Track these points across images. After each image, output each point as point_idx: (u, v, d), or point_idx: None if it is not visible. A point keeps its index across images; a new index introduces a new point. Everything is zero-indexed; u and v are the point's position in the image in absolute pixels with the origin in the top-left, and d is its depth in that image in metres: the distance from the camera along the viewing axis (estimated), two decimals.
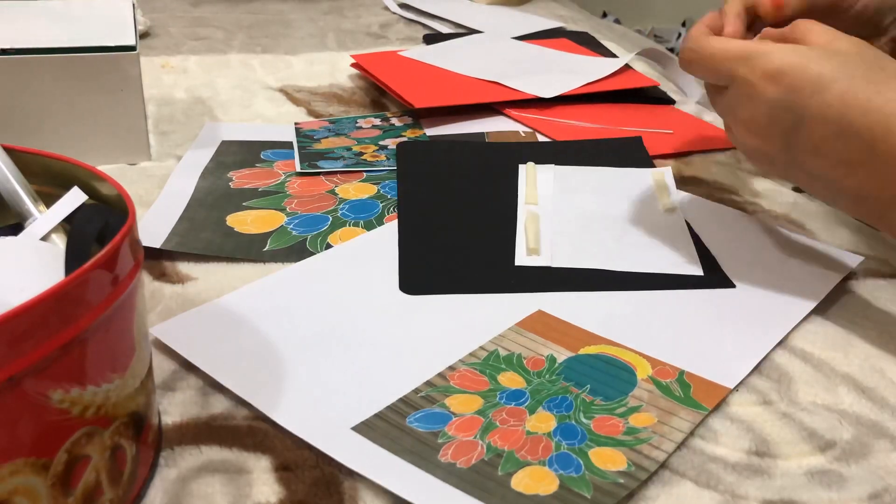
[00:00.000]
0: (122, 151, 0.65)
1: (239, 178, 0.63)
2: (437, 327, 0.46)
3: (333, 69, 0.90)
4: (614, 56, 0.93)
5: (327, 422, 0.39)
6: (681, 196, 0.61)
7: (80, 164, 0.38)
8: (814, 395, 0.43)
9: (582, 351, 0.45)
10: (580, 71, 0.85)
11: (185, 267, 0.52)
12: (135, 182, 0.63)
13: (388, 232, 0.56)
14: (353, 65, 0.89)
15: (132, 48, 0.63)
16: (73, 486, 0.30)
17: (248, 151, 0.68)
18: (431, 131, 0.73)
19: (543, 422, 0.39)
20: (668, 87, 0.86)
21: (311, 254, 0.53)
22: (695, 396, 0.41)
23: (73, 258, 0.35)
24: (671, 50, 1.94)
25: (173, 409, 0.40)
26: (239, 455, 0.38)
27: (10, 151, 0.39)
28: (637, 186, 0.62)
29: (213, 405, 0.41)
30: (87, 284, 0.29)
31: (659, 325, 0.47)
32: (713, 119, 0.79)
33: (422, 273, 0.51)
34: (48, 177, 0.39)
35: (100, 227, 0.36)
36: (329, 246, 0.54)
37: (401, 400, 0.40)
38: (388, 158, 0.67)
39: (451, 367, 0.43)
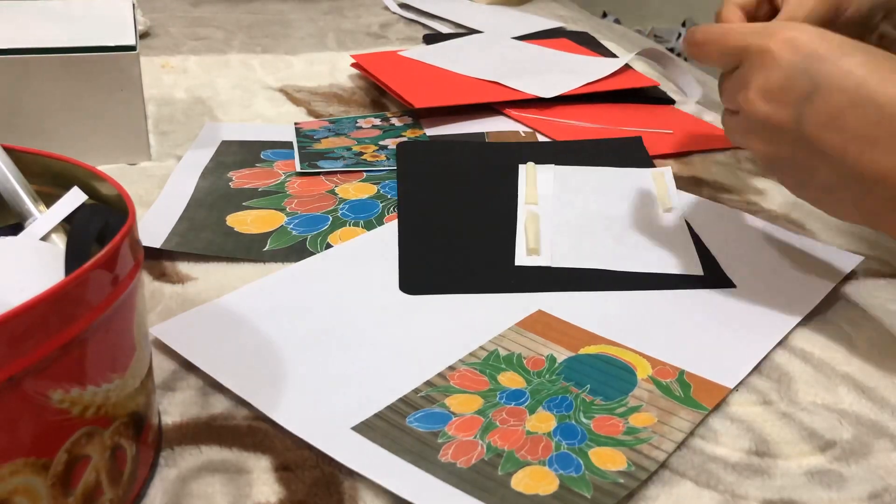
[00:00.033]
0: (122, 151, 0.65)
1: (239, 178, 0.63)
2: (436, 327, 0.46)
3: (333, 69, 0.90)
4: (614, 56, 0.93)
5: (327, 422, 0.39)
6: (681, 196, 0.61)
7: (80, 164, 0.38)
8: (814, 395, 0.43)
9: (582, 351, 0.45)
10: (580, 71, 0.85)
11: (185, 267, 0.52)
12: (135, 182, 0.63)
13: (388, 232, 0.56)
14: (353, 65, 0.89)
15: (132, 48, 0.63)
16: (73, 486, 0.30)
17: (248, 151, 0.68)
18: (431, 131, 0.73)
19: (543, 422, 0.39)
20: (668, 87, 0.86)
21: (311, 254, 0.53)
22: (695, 396, 0.41)
23: (73, 258, 0.35)
24: (671, 50, 1.94)
25: (173, 409, 0.40)
26: (239, 455, 0.38)
27: (10, 151, 0.39)
28: (637, 186, 0.62)
29: (213, 405, 0.41)
30: (87, 284, 0.29)
31: (659, 325, 0.47)
32: (713, 119, 0.79)
33: (422, 273, 0.51)
34: (48, 177, 0.39)
35: (100, 227, 0.36)
36: (329, 246, 0.54)
37: (401, 400, 0.40)
38: (388, 158, 0.67)
39: (451, 367, 0.43)
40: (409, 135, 0.72)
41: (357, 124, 0.74)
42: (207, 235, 0.55)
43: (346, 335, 0.45)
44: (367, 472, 0.36)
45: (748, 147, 0.47)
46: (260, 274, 0.51)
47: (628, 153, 0.68)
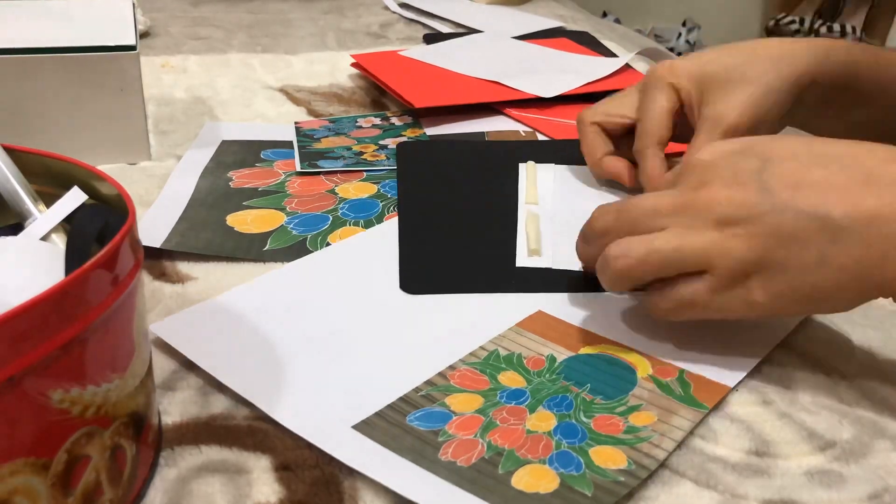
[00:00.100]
0: (122, 151, 0.65)
1: (239, 178, 0.63)
2: (437, 327, 0.46)
3: (333, 69, 0.90)
4: (614, 56, 0.93)
5: (327, 420, 0.39)
6: None
7: (80, 164, 0.38)
8: (814, 395, 0.43)
9: (582, 350, 0.45)
10: (580, 71, 0.85)
11: (184, 267, 0.52)
12: (135, 182, 0.63)
13: (389, 229, 0.56)
14: (353, 64, 0.89)
15: (132, 48, 0.63)
16: (73, 486, 0.30)
17: (248, 151, 0.68)
18: (431, 131, 0.73)
19: (543, 421, 0.39)
20: None
21: (311, 253, 0.53)
22: (695, 395, 0.41)
23: (73, 258, 0.35)
24: (671, 49, 1.94)
25: (173, 409, 0.40)
26: (239, 455, 0.38)
27: (10, 151, 0.39)
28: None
29: (213, 405, 0.41)
30: (87, 284, 0.29)
31: (659, 325, 0.47)
32: None
33: (422, 273, 0.51)
34: (48, 177, 0.39)
35: (100, 226, 0.36)
36: (329, 245, 0.54)
37: (401, 399, 0.40)
38: (388, 158, 0.67)
39: (452, 367, 0.43)
40: (409, 134, 0.72)
41: (357, 124, 0.74)
42: (207, 235, 0.55)
43: (345, 334, 0.45)
44: (367, 471, 0.36)
45: (732, 258, 0.40)
46: (260, 274, 0.51)
47: None
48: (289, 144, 0.69)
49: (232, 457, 0.38)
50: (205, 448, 0.38)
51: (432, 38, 1.00)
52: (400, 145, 0.68)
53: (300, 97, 0.81)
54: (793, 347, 0.46)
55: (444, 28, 1.06)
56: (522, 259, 0.53)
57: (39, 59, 0.61)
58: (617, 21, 1.96)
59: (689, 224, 0.41)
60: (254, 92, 0.82)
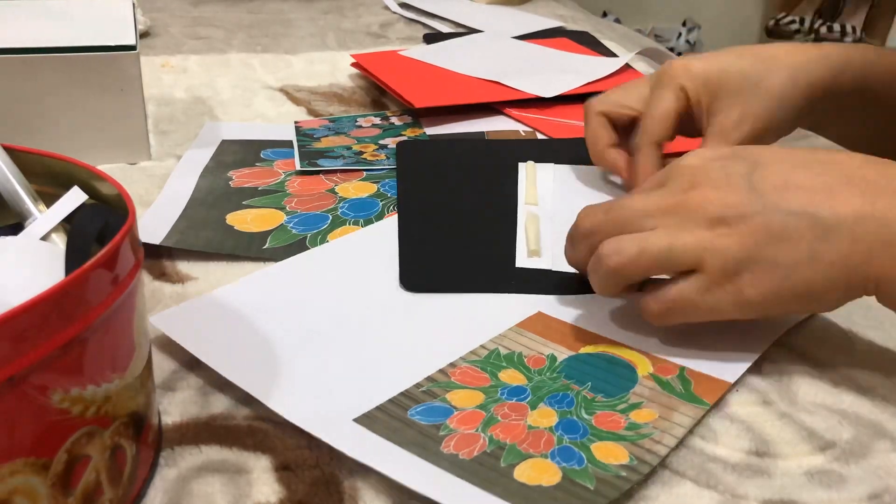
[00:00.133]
0: (122, 151, 0.65)
1: (239, 178, 0.63)
2: (437, 325, 0.46)
3: (334, 69, 0.90)
4: (614, 55, 0.93)
5: (328, 413, 0.39)
6: None
7: (80, 163, 0.38)
8: (814, 395, 0.43)
9: (582, 350, 0.45)
10: (580, 70, 0.85)
11: (184, 266, 0.52)
12: (135, 182, 0.63)
13: (389, 226, 0.56)
14: (353, 64, 0.89)
15: (132, 48, 0.63)
16: (73, 486, 0.30)
17: (248, 151, 0.68)
18: (431, 130, 0.73)
19: (545, 417, 0.39)
20: None
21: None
22: (696, 392, 0.41)
23: (73, 258, 0.35)
24: (671, 49, 1.94)
25: (173, 409, 0.40)
26: (239, 455, 0.38)
27: (10, 151, 0.39)
28: None
29: (213, 405, 0.41)
30: (87, 284, 0.29)
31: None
32: None
33: (421, 272, 0.51)
34: (48, 177, 0.39)
35: (100, 226, 0.36)
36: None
37: (402, 394, 0.40)
38: (387, 157, 0.67)
39: (452, 364, 0.43)
40: (409, 134, 0.72)
41: (357, 123, 0.74)
42: (207, 234, 0.55)
43: (345, 330, 0.45)
44: (369, 463, 0.36)
45: (717, 256, 0.41)
46: (260, 270, 0.51)
47: None
48: (289, 144, 0.69)
49: (232, 457, 0.38)
50: (205, 448, 0.38)
51: (432, 38, 1.00)
52: (400, 144, 0.68)
53: (300, 97, 0.81)
54: (793, 347, 0.46)
55: (444, 28, 1.06)
56: (522, 260, 0.53)
57: (39, 59, 0.61)
58: (617, 21, 1.96)
59: (680, 224, 0.42)
60: (254, 92, 0.82)
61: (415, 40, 1.02)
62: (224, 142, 0.69)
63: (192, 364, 0.43)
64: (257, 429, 0.39)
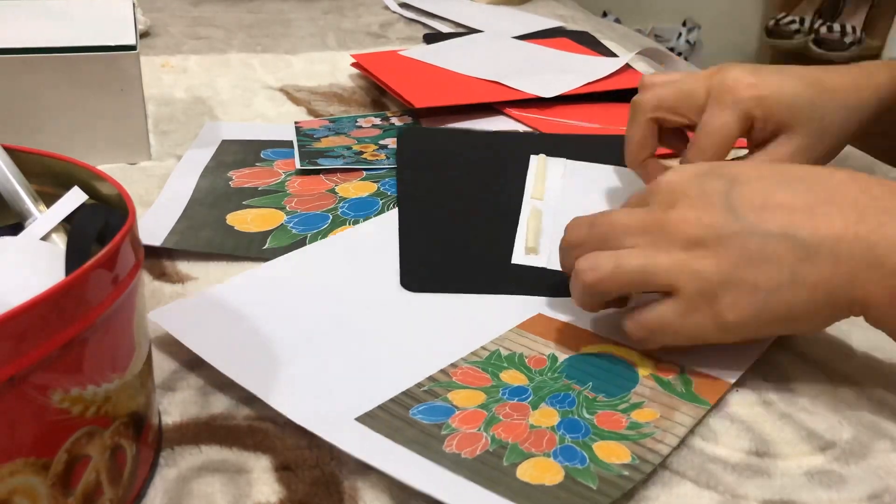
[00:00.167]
0: (122, 151, 0.65)
1: (239, 178, 0.63)
2: (439, 325, 0.46)
3: (334, 69, 0.90)
4: (615, 55, 0.93)
5: (330, 412, 0.39)
6: None
7: (80, 163, 0.38)
8: (814, 396, 0.43)
9: (583, 350, 0.45)
10: (580, 70, 0.85)
11: (185, 266, 0.52)
12: (135, 182, 0.63)
13: (390, 219, 0.56)
14: (353, 64, 0.89)
15: (132, 48, 0.63)
16: (73, 486, 0.30)
17: (248, 151, 0.68)
18: None
19: (546, 417, 0.39)
20: None
21: None
22: (696, 392, 0.41)
23: (74, 258, 0.35)
24: (671, 49, 1.94)
25: (173, 409, 0.40)
26: (239, 455, 0.38)
27: (10, 151, 0.39)
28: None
29: (213, 405, 0.41)
30: (87, 284, 0.29)
31: None
32: None
33: (421, 271, 0.51)
34: (48, 177, 0.39)
35: (100, 226, 0.36)
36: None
37: (404, 393, 0.40)
38: (387, 157, 0.67)
39: (453, 365, 0.43)
40: None
41: (357, 124, 0.74)
42: (207, 234, 0.55)
43: (347, 328, 0.45)
44: (371, 461, 0.36)
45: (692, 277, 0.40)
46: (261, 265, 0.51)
47: None
48: (289, 144, 0.69)
49: (232, 457, 0.38)
50: (205, 448, 0.38)
51: (432, 37, 1.00)
52: (402, 132, 0.67)
53: (300, 97, 0.81)
54: (793, 347, 0.46)
55: (444, 28, 1.06)
56: (519, 256, 0.53)
57: (39, 59, 0.61)
58: (617, 21, 1.96)
59: (657, 244, 0.41)
60: (254, 92, 0.82)
61: (415, 40, 1.02)
62: (224, 142, 0.69)
63: (192, 364, 0.43)
64: (257, 429, 0.39)
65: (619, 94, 0.81)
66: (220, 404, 0.41)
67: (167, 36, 0.98)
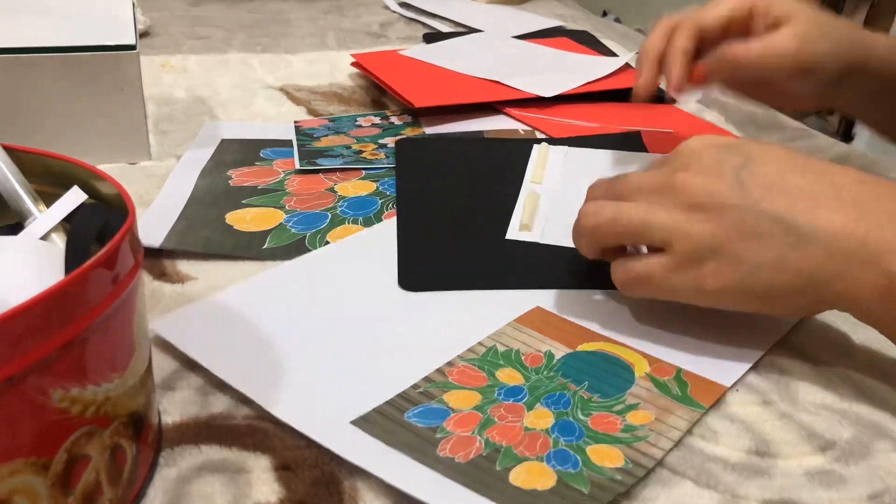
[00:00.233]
0: (122, 151, 0.65)
1: (238, 177, 0.63)
2: (435, 323, 0.46)
3: (333, 68, 0.90)
4: (614, 55, 0.93)
5: (326, 416, 0.39)
6: None
7: (80, 163, 0.38)
8: (814, 395, 0.43)
9: (580, 347, 0.45)
10: (580, 70, 0.85)
11: (184, 266, 0.52)
12: (135, 182, 0.62)
13: (387, 228, 0.56)
14: (353, 64, 0.89)
15: (132, 48, 0.63)
16: (73, 485, 0.30)
17: (248, 150, 0.68)
18: (431, 130, 0.73)
19: (541, 418, 0.39)
20: None
21: (310, 251, 0.53)
22: (692, 395, 0.41)
23: (73, 257, 0.35)
24: None
25: (173, 408, 0.40)
26: (239, 455, 0.38)
27: (10, 151, 0.39)
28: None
29: (213, 405, 0.41)
30: (87, 284, 0.29)
31: (657, 323, 0.47)
32: (714, 118, 0.79)
33: (420, 270, 0.51)
34: (48, 177, 0.39)
35: (100, 226, 0.36)
36: (328, 243, 0.54)
37: (399, 395, 0.40)
38: (387, 156, 0.67)
39: (450, 363, 0.43)
40: (409, 133, 0.72)
41: (357, 123, 0.74)
42: (207, 233, 0.55)
43: (344, 331, 0.45)
44: (365, 466, 0.36)
45: (691, 235, 0.42)
46: (259, 273, 0.51)
47: (628, 148, 0.68)
48: (288, 143, 0.69)
49: (232, 456, 0.38)
50: (205, 448, 0.38)
51: (432, 37, 1.00)
52: (399, 142, 0.68)
53: (300, 97, 0.81)
54: (793, 347, 0.46)
55: (444, 27, 1.06)
56: (513, 232, 0.54)
57: (39, 58, 0.61)
58: (617, 20, 1.96)
59: (660, 201, 0.43)
60: (254, 91, 0.82)
61: (415, 40, 1.02)
62: (224, 141, 0.69)
63: (192, 364, 0.43)
64: (257, 428, 0.39)
65: (618, 94, 0.81)
66: (219, 404, 0.41)
67: (167, 36, 0.98)
